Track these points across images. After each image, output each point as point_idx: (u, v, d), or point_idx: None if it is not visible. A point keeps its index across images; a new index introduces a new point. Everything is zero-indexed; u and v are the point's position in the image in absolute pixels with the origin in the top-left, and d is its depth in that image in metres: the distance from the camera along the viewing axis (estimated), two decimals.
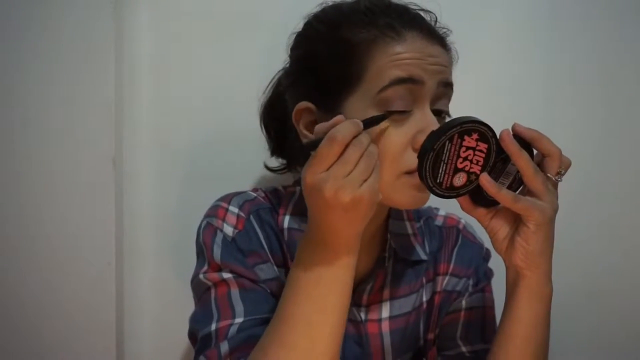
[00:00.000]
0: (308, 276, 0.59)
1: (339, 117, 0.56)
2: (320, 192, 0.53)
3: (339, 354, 0.61)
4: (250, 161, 0.97)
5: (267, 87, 0.82)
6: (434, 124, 0.63)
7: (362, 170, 0.54)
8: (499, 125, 0.63)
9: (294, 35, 0.74)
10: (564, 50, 1.04)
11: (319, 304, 0.59)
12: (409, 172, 0.65)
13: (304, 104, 0.70)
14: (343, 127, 0.54)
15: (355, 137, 0.55)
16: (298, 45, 0.74)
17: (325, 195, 0.53)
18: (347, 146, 0.54)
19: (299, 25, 0.74)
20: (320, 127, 0.57)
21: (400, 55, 0.64)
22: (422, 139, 0.63)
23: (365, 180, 0.54)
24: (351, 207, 0.54)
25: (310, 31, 0.72)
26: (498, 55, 1.03)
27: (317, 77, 0.69)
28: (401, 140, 0.64)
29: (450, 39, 0.71)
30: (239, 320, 0.66)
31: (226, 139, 0.98)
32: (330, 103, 0.67)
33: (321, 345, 0.58)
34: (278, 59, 0.77)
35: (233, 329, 0.66)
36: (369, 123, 0.58)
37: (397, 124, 0.64)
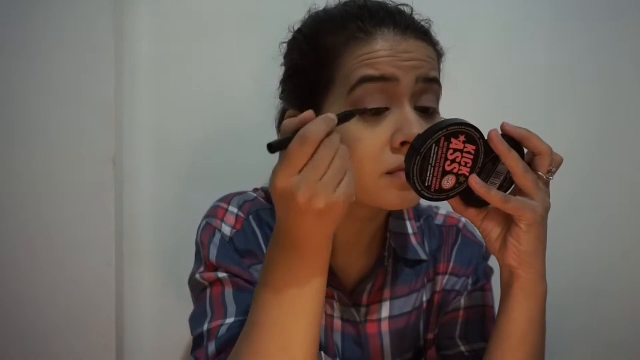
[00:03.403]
0: (277, 280, 0.57)
1: (308, 113, 0.52)
2: (292, 198, 0.50)
3: (315, 356, 0.59)
4: (250, 161, 0.97)
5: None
6: (413, 122, 0.63)
7: (336, 173, 0.51)
8: (499, 125, 0.62)
9: (284, 45, 0.75)
10: (564, 50, 1.05)
11: (290, 308, 0.56)
12: (389, 173, 0.64)
13: (292, 112, 0.72)
14: (315, 125, 0.50)
15: (327, 135, 0.51)
16: (284, 56, 0.75)
17: (299, 202, 0.50)
18: (318, 146, 0.50)
19: (287, 35, 0.75)
20: (288, 123, 0.52)
21: (369, 55, 0.64)
22: (400, 138, 0.63)
23: (339, 184, 0.51)
24: (325, 213, 0.51)
25: (292, 42, 0.74)
26: (498, 55, 1.04)
27: (299, 86, 0.71)
28: (379, 140, 0.63)
29: (435, 31, 0.71)
30: (229, 320, 0.66)
31: (226, 139, 0.98)
32: (310, 110, 0.69)
33: (293, 350, 0.57)
34: (278, 59, 0.77)
35: (223, 329, 0.66)
36: (340, 119, 0.54)
37: (374, 124, 0.63)
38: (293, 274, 0.56)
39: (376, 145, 0.63)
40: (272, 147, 0.50)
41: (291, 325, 0.57)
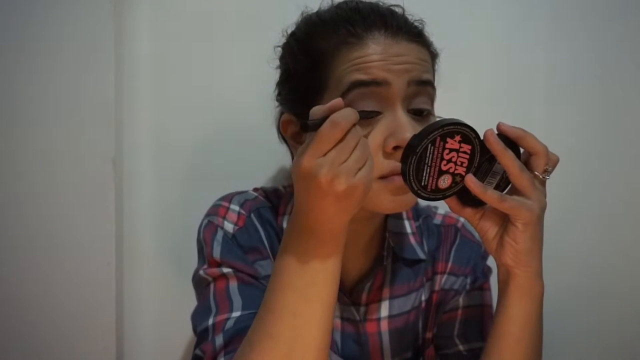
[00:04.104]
0: (293, 265, 0.57)
1: (337, 100, 0.54)
2: (315, 178, 0.52)
3: (329, 345, 0.60)
4: (250, 161, 0.98)
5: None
6: (405, 127, 0.63)
7: (358, 158, 0.53)
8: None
9: (279, 48, 0.76)
10: (564, 50, 1.04)
11: (304, 294, 0.57)
12: (382, 177, 0.64)
13: (286, 116, 0.72)
14: (346, 112, 0.53)
15: (353, 125, 0.54)
16: (279, 60, 0.76)
17: (321, 181, 0.52)
18: (346, 133, 0.53)
19: (281, 39, 0.76)
20: (317, 109, 0.55)
21: (361, 59, 0.64)
22: (392, 142, 0.63)
23: (359, 170, 0.53)
24: (344, 196, 0.53)
25: (286, 46, 0.74)
26: (497, 55, 1.04)
27: (293, 89, 0.71)
28: (371, 145, 0.63)
29: (429, 31, 0.71)
30: (236, 314, 0.66)
31: (226, 139, 0.98)
32: (305, 114, 0.68)
33: (308, 336, 0.57)
34: (273, 62, 0.77)
35: (229, 323, 0.66)
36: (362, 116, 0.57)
37: (366, 129, 0.64)
38: (308, 259, 0.57)
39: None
40: (306, 127, 0.54)
41: (305, 312, 0.57)
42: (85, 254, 0.93)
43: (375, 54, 0.64)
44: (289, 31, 0.75)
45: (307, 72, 0.68)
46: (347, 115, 0.53)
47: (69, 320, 0.93)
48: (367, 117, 0.63)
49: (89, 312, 0.94)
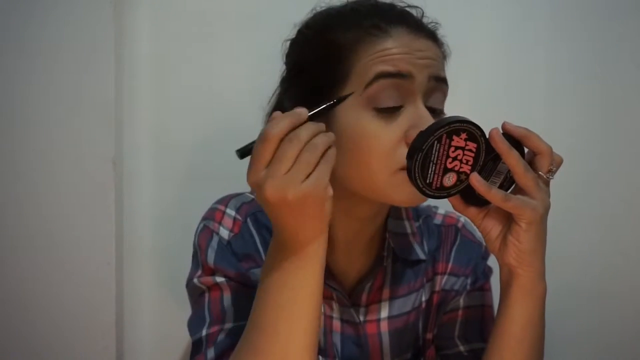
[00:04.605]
0: (273, 282, 0.58)
1: (275, 113, 0.54)
2: (261, 192, 0.52)
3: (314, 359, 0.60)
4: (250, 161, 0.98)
5: (272, 96, 0.82)
6: (427, 119, 0.63)
7: (303, 166, 0.52)
8: (499, 125, 0.62)
9: (287, 43, 0.75)
10: (564, 50, 1.05)
11: (285, 311, 0.57)
12: (404, 168, 0.64)
13: (277, 114, 0.71)
14: (274, 122, 0.53)
15: (292, 130, 0.53)
16: (290, 52, 0.74)
17: (266, 195, 0.51)
18: (281, 142, 0.52)
19: (292, 32, 0.74)
20: (277, 114, 0.55)
21: (386, 51, 0.64)
22: (414, 134, 0.62)
23: (308, 176, 0.52)
24: (298, 206, 0.52)
25: (300, 37, 0.73)
26: (498, 55, 1.04)
27: (309, 82, 0.70)
28: (393, 136, 0.63)
29: (441, 33, 0.71)
30: (228, 325, 0.67)
31: (226, 139, 0.98)
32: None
33: (292, 353, 0.57)
34: (278, 59, 0.77)
35: (222, 335, 0.66)
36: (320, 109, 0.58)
37: (388, 120, 0.63)
38: (286, 275, 0.57)
39: (390, 141, 0.63)
40: (241, 154, 0.55)
41: (287, 330, 0.57)
42: (85, 254, 0.93)
43: (401, 47, 0.64)
44: (300, 26, 0.73)
45: (326, 64, 0.67)
46: (276, 124, 0.52)
47: (69, 320, 0.93)
48: (391, 113, 0.63)
49: (89, 312, 0.94)
